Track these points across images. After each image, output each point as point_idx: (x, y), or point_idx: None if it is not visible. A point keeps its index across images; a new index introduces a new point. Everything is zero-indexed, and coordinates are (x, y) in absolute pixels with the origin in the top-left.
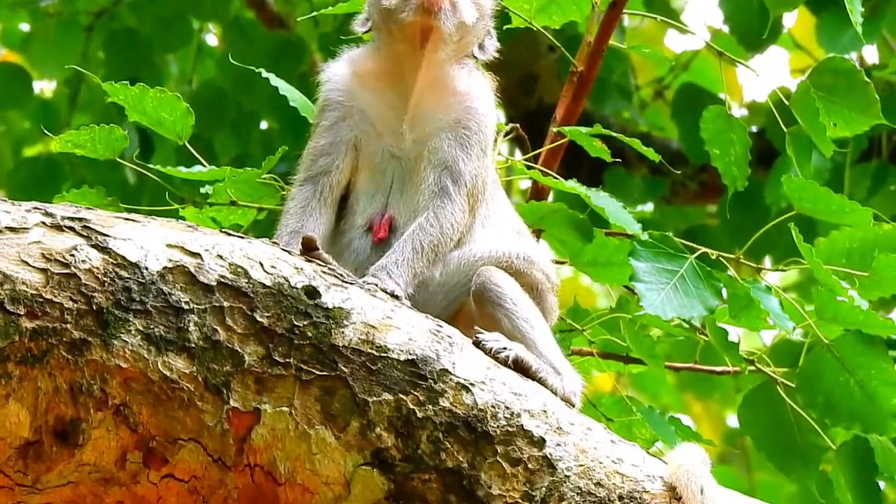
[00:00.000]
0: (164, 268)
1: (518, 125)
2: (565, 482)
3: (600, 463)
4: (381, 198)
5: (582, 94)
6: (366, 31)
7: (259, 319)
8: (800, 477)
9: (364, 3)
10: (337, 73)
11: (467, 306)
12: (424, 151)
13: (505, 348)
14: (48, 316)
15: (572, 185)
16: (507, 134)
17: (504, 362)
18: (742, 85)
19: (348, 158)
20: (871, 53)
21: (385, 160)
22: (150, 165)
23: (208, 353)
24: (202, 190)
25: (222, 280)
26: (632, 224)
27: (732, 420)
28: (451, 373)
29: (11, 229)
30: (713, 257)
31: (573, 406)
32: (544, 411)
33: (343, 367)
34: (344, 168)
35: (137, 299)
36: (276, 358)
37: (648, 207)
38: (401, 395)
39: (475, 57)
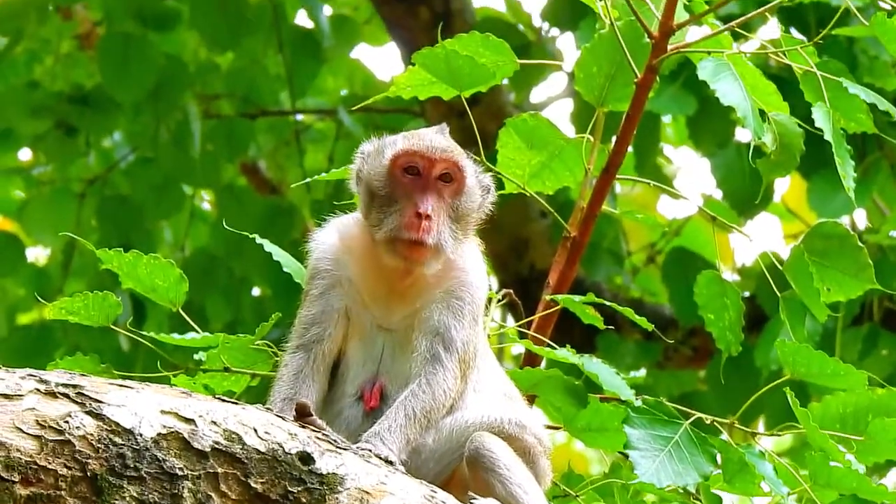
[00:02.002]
0: (159, 434)
1: (511, 291)
2: None
3: None
4: (372, 366)
5: (575, 258)
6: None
7: (253, 485)
8: None
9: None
10: (325, 241)
11: (460, 472)
12: (415, 322)
13: None
14: (43, 483)
15: (565, 355)
16: (499, 300)
17: None
18: (734, 250)
19: (339, 326)
20: (861, 217)
21: (375, 330)
22: (144, 332)
23: None
24: (196, 356)
25: (216, 446)
26: (625, 390)
27: None
28: None
29: (6, 396)
30: (707, 422)
31: None
32: None
33: None
34: (335, 336)
35: (132, 465)
36: None
37: (641, 373)
38: None
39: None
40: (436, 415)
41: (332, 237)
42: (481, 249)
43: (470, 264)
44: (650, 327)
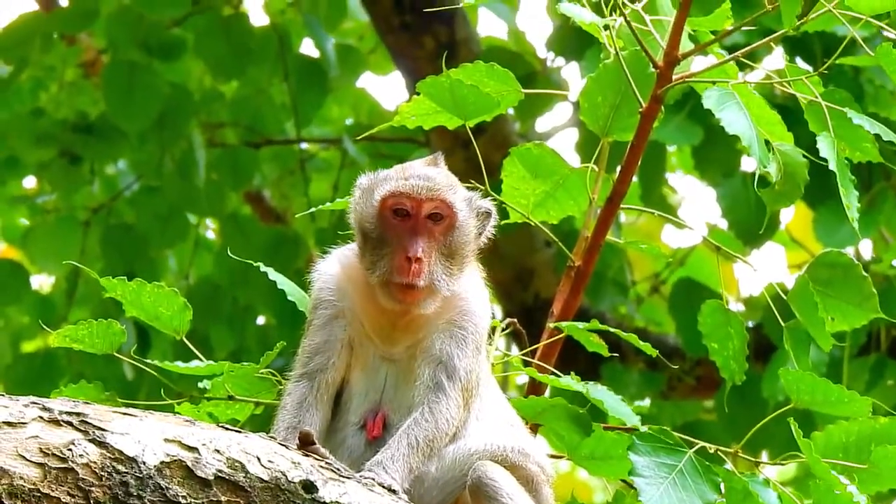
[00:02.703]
0: (162, 462)
1: (515, 320)
2: None
3: None
4: (375, 395)
5: (579, 288)
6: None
7: None
8: None
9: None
10: (327, 272)
11: (463, 500)
12: (417, 351)
13: None
14: None
15: (569, 382)
16: (504, 329)
17: None
18: (739, 279)
19: (343, 356)
20: (866, 247)
21: (378, 360)
22: (148, 360)
23: None
24: (200, 384)
25: (220, 474)
26: (631, 417)
27: None
28: None
29: (9, 424)
30: (711, 451)
31: None
32: None
33: None
34: (339, 365)
35: (135, 493)
36: None
37: (646, 403)
38: None
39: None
40: (438, 443)
41: (334, 268)
42: (483, 277)
43: (471, 293)
44: (654, 353)
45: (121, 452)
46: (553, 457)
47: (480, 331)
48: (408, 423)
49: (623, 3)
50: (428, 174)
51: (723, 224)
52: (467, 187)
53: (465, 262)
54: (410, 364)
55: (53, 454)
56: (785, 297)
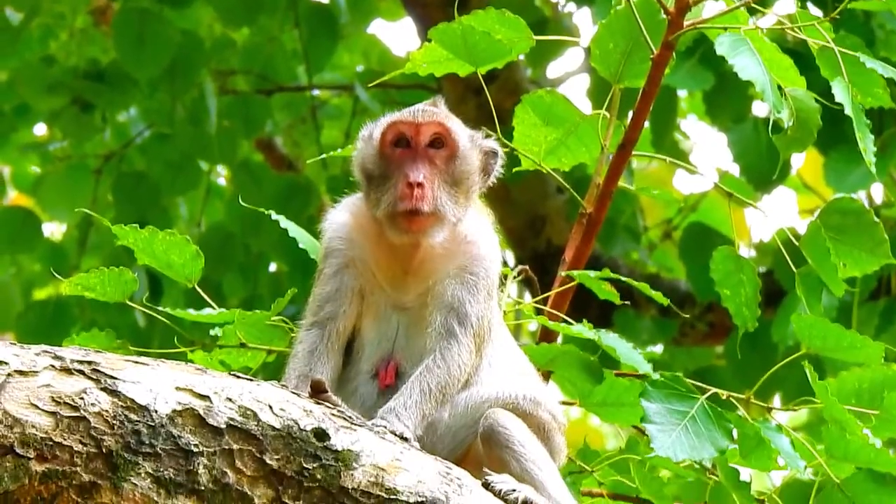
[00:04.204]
0: (174, 411)
1: (527, 267)
2: None
3: None
4: (387, 344)
5: (591, 235)
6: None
7: (268, 462)
8: None
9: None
10: (337, 220)
11: (475, 448)
12: (428, 299)
13: (514, 490)
14: (58, 459)
15: (581, 330)
16: (516, 276)
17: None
18: (750, 225)
19: (353, 304)
20: (878, 192)
21: (389, 309)
22: (160, 308)
23: (218, 496)
24: (212, 332)
25: (231, 423)
26: (643, 364)
27: None
28: None
29: (21, 373)
30: (723, 397)
31: None
32: None
33: None
34: (349, 314)
35: (147, 442)
36: (286, 500)
37: (657, 349)
38: None
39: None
40: (451, 390)
41: (345, 217)
42: (493, 223)
43: (481, 237)
44: (666, 302)
45: (133, 401)
46: (565, 404)
47: (492, 276)
48: (420, 369)
49: None
50: (425, 107)
51: (734, 170)
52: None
53: (470, 193)
54: (422, 312)
55: (65, 403)
56: (796, 243)
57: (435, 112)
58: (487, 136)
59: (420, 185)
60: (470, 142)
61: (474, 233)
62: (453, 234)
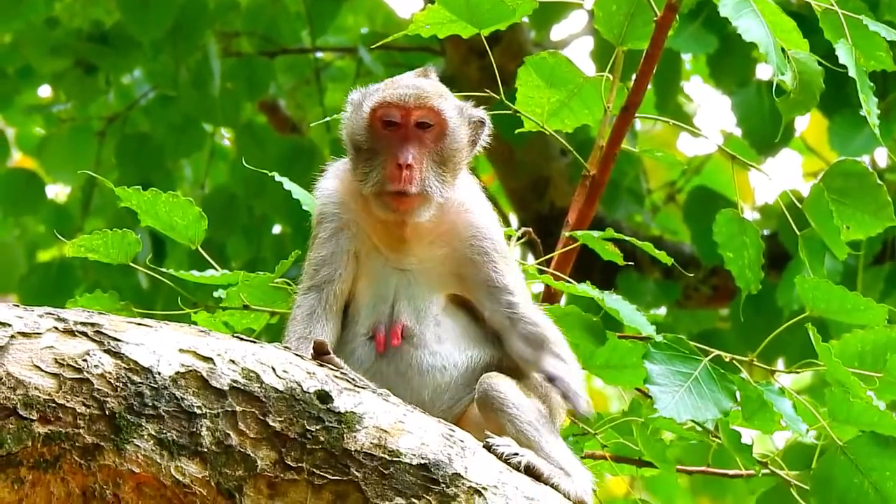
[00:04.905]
0: (177, 372)
1: (530, 229)
2: None
3: None
4: (383, 306)
5: (594, 197)
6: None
7: (271, 424)
8: None
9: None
10: (328, 187)
11: (472, 410)
12: (430, 265)
13: (516, 454)
14: (61, 421)
15: (584, 289)
16: (519, 238)
17: (516, 467)
18: (754, 188)
19: (350, 267)
20: (881, 156)
21: (387, 272)
22: (163, 270)
23: (221, 458)
24: (215, 294)
25: (235, 385)
26: (646, 326)
27: None
28: (463, 477)
29: (24, 334)
30: (726, 360)
31: None
32: None
33: (355, 472)
34: (346, 277)
35: (150, 404)
36: (289, 462)
37: (661, 312)
38: (413, 500)
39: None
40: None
41: (334, 183)
42: (481, 187)
43: (475, 205)
44: (669, 261)
45: (136, 363)
46: None
47: (497, 237)
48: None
49: None
50: (416, 83)
51: (738, 133)
52: (482, 96)
53: (457, 169)
54: (425, 274)
55: (68, 365)
56: (800, 206)
57: (426, 95)
58: (491, 98)
59: (409, 166)
60: (459, 117)
61: (467, 201)
62: (445, 203)
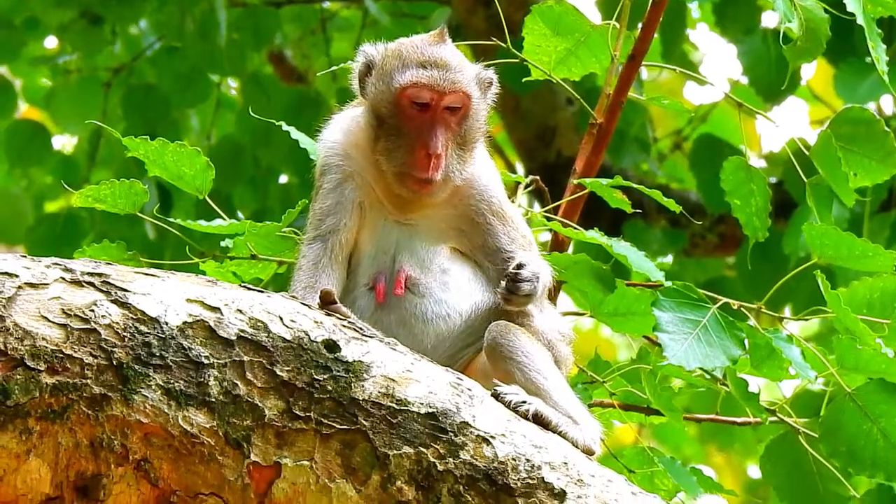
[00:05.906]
0: (184, 322)
1: (537, 178)
2: None
3: None
4: (384, 257)
5: (601, 146)
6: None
7: (279, 373)
8: None
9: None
10: (331, 139)
11: (479, 358)
12: (431, 221)
13: (524, 402)
14: (68, 371)
15: (593, 236)
16: (526, 186)
17: (524, 416)
18: (760, 136)
19: (354, 217)
20: (888, 103)
21: (390, 224)
22: (171, 220)
23: (228, 408)
24: (222, 244)
25: (242, 334)
26: (655, 272)
27: (754, 471)
28: (471, 425)
29: (31, 285)
30: (734, 307)
31: (593, 455)
32: (565, 463)
33: (363, 421)
34: (351, 226)
35: (157, 354)
36: (297, 412)
37: (668, 260)
38: (421, 449)
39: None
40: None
41: (338, 135)
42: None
43: (479, 167)
44: (678, 209)
45: (143, 313)
46: (576, 314)
47: (499, 198)
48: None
49: None
50: (446, 61)
51: (744, 81)
52: (489, 45)
53: (476, 146)
54: (425, 226)
55: (76, 315)
56: (807, 153)
57: (459, 80)
58: (497, 47)
59: (438, 156)
60: (479, 91)
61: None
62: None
